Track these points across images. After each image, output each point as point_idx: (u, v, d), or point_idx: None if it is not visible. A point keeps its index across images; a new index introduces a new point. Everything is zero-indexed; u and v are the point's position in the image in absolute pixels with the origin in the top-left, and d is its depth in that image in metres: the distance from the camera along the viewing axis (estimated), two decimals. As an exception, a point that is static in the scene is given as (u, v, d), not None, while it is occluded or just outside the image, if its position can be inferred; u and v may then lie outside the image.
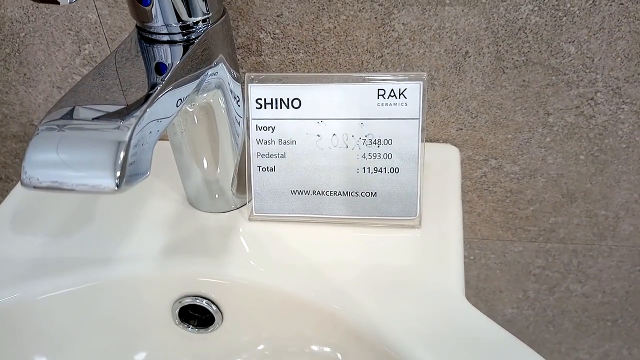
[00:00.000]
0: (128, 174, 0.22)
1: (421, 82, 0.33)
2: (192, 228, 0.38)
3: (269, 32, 0.39)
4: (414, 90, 0.33)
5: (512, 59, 0.38)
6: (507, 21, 0.36)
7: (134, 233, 0.37)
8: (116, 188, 0.21)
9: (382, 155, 0.34)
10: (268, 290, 0.34)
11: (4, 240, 0.37)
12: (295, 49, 0.40)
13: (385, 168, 0.34)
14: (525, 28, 0.36)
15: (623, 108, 0.40)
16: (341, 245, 0.35)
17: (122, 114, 0.23)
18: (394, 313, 0.31)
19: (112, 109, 0.24)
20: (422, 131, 0.33)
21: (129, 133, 0.22)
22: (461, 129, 0.42)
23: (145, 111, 0.23)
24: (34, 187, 0.22)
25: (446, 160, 0.42)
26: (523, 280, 0.53)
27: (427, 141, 0.43)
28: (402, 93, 0.33)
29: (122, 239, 0.37)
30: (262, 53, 0.40)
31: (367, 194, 0.35)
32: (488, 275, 0.52)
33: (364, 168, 0.35)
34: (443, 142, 0.44)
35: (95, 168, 0.21)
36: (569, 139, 0.42)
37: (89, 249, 0.36)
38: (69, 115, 0.23)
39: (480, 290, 0.55)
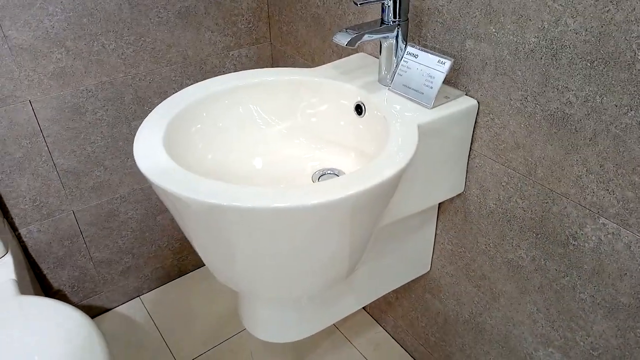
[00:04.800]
0: (350, 44, 0.83)
1: None
2: (375, 86, 0.97)
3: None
4: None
5: None
6: None
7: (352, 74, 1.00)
8: (345, 44, 0.83)
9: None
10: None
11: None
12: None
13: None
14: None
15: None
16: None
17: (356, 30, 0.85)
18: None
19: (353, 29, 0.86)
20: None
21: (353, 36, 0.84)
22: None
23: (364, 34, 0.85)
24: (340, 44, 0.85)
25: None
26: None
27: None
28: None
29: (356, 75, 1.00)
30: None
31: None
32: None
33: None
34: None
35: (344, 39, 0.84)
36: None
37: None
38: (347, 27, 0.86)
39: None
